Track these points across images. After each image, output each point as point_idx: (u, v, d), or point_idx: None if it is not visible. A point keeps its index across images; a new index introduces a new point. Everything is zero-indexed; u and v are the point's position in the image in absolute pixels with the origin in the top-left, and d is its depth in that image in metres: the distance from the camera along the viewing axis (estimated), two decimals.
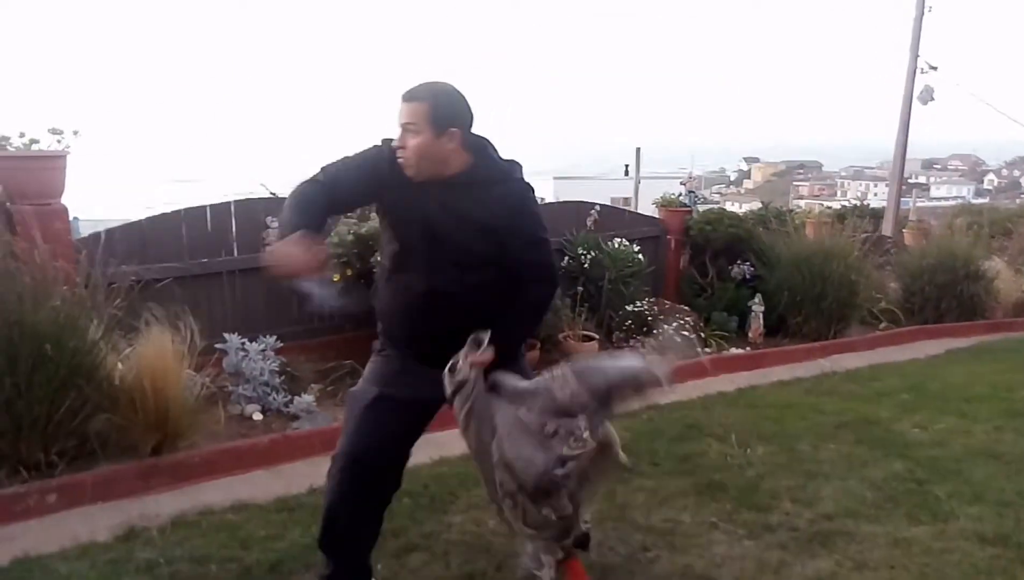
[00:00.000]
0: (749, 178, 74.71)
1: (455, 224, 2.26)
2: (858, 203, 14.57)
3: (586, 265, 6.21)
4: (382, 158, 2.30)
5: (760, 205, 8.39)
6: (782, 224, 7.33)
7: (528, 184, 2.38)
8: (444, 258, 2.27)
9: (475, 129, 2.33)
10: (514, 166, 2.39)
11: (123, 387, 3.64)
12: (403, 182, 2.26)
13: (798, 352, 6.30)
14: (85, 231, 5.17)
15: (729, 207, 10.88)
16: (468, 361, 2.19)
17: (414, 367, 2.38)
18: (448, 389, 2.22)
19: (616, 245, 6.42)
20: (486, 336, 2.20)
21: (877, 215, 13.94)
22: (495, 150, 2.37)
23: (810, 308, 6.70)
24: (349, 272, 4.92)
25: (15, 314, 3.35)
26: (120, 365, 3.71)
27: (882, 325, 7.39)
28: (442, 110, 2.21)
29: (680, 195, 7.71)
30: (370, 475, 2.40)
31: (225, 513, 3.27)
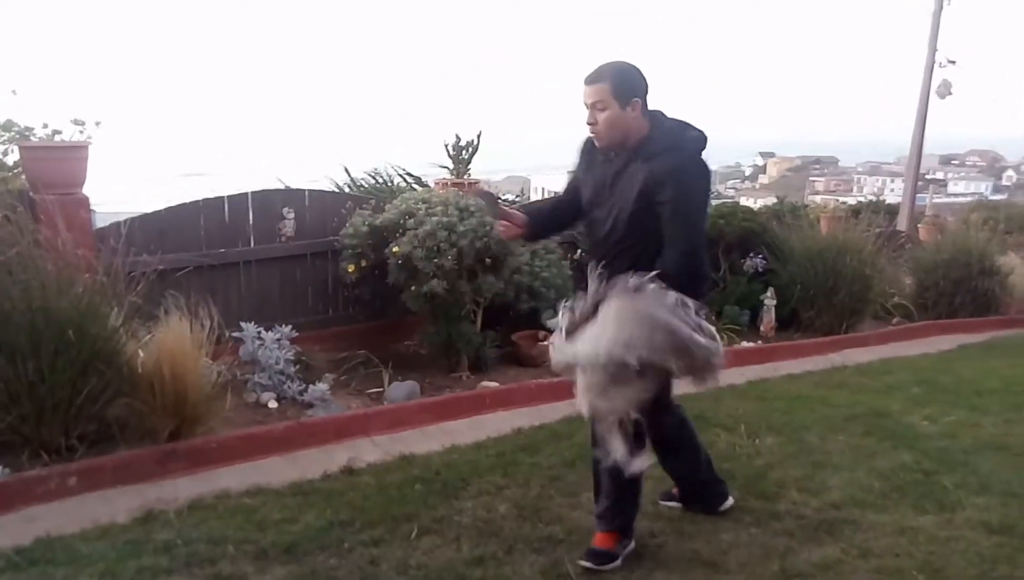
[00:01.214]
0: (764, 173, 74.29)
1: (620, 185, 2.62)
2: (874, 199, 14.54)
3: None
4: (580, 149, 2.84)
5: (775, 200, 8.40)
6: (796, 218, 7.34)
7: (698, 155, 2.64)
8: (606, 213, 2.67)
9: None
10: (686, 136, 2.64)
11: (142, 373, 3.71)
12: (593, 155, 2.76)
13: (809, 346, 6.31)
14: (102, 223, 5.27)
15: (744, 202, 10.89)
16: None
17: None
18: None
19: None
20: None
21: (893, 211, 13.89)
22: (670, 119, 2.68)
23: (822, 302, 6.70)
24: (364, 263, 4.98)
25: (39, 300, 3.43)
26: (140, 352, 3.78)
27: (895, 320, 7.39)
28: (623, 85, 2.58)
29: None
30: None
31: (241, 497, 3.34)
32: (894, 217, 12.74)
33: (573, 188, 2.89)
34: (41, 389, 3.42)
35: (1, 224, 3.48)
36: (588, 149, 2.80)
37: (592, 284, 2.52)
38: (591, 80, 2.60)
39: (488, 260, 4.79)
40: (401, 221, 4.77)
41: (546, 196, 19.13)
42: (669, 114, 2.71)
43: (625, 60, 2.67)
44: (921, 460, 3.67)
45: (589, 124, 2.64)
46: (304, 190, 5.42)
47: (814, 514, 3.14)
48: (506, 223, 2.88)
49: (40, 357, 3.39)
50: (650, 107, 2.66)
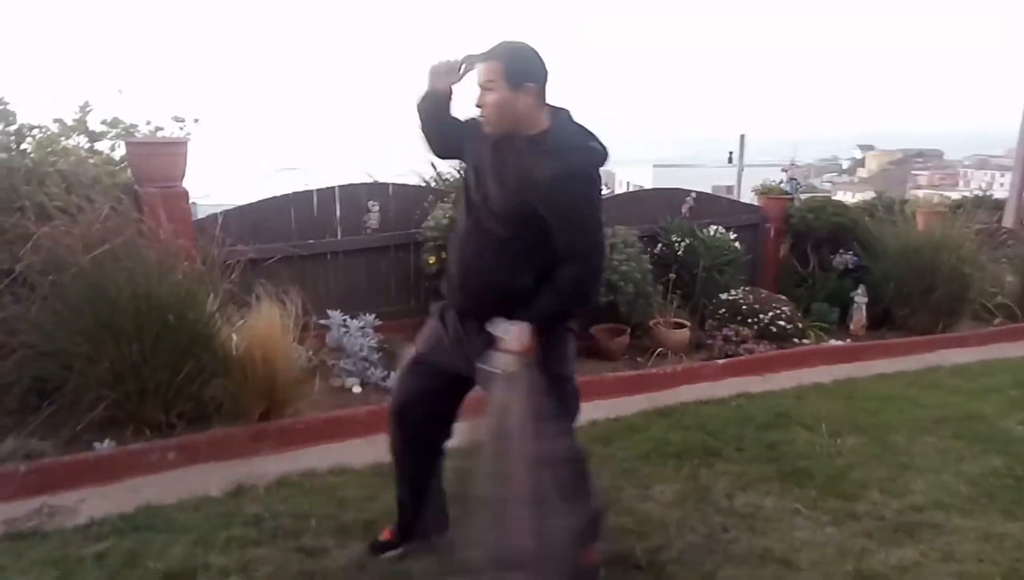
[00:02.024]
0: (863, 166, 71.42)
1: (504, 178, 2.34)
2: (980, 193, 13.80)
3: (680, 252, 6.18)
4: (474, 120, 2.48)
5: (873, 195, 8.10)
6: (890, 213, 7.07)
7: (589, 167, 2.35)
8: (488, 207, 2.38)
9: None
10: (588, 143, 2.37)
11: (236, 357, 3.91)
12: (482, 138, 2.42)
13: (902, 346, 6.09)
14: (203, 215, 5.55)
15: (841, 196, 10.51)
16: (511, 350, 2.27)
17: (454, 335, 2.53)
18: (494, 374, 2.28)
19: (712, 233, 6.36)
20: (506, 325, 2.29)
21: (1001, 206, 13.16)
22: (575, 123, 2.40)
23: (918, 301, 6.44)
24: (444, 255, 5.08)
25: (142, 286, 3.65)
26: (233, 336, 3.98)
27: (997, 321, 7.03)
28: (516, 67, 2.31)
29: (781, 182, 7.55)
30: (408, 424, 2.69)
31: (325, 476, 3.49)
32: (1001, 213, 12.06)
33: (459, 133, 2.54)
34: (144, 369, 3.65)
35: (108, 215, 3.72)
36: (474, 128, 2.48)
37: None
38: (483, 57, 2.34)
39: None
40: None
41: (631, 188, 18.95)
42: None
43: (525, 42, 2.37)
44: (1013, 465, 3.52)
45: (477, 106, 2.37)
46: (388, 184, 5.57)
47: (895, 516, 3.06)
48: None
49: (143, 340, 3.62)
50: (565, 105, 2.41)
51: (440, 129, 2.58)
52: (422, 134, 2.62)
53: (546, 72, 2.35)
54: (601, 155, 2.36)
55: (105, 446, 3.59)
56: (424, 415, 2.65)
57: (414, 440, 2.73)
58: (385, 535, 2.84)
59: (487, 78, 2.32)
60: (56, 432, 3.66)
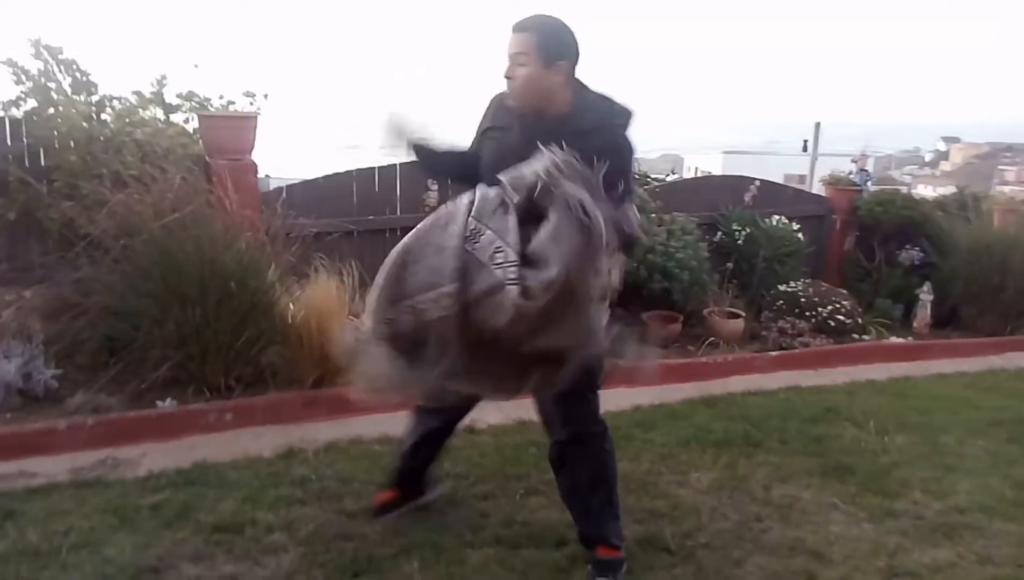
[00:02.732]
0: (947, 159, 68.54)
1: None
2: None
3: (740, 241, 6.12)
4: (492, 101, 2.48)
5: (955, 190, 7.83)
6: (963, 209, 6.85)
7: (624, 133, 2.34)
8: None
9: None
10: (614, 112, 2.35)
11: (293, 326, 4.07)
12: (504, 117, 2.40)
13: (967, 346, 5.92)
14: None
15: (921, 190, 10.19)
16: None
17: None
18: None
19: (774, 222, 6.27)
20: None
21: None
22: (595, 92, 2.37)
23: (987, 301, 6.24)
24: None
25: (207, 254, 3.83)
26: (291, 306, 4.14)
27: None
28: (551, 42, 2.26)
29: (851, 173, 7.37)
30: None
31: (372, 444, 3.62)
32: None
33: (477, 146, 2.50)
34: (206, 333, 3.83)
35: (179, 185, 3.91)
36: (498, 106, 2.46)
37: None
38: (518, 28, 2.27)
39: None
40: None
41: (698, 174, 18.64)
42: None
43: (559, 17, 2.32)
44: None
45: (507, 77, 2.32)
46: None
47: (935, 516, 3.02)
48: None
49: (206, 304, 3.79)
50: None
51: (463, 172, 2.50)
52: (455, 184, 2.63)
53: (579, 50, 2.32)
54: (629, 114, 2.35)
55: (167, 404, 3.79)
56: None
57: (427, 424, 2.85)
58: (387, 496, 2.92)
59: (519, 50, 2.27)
60: (123, 388, 3.88)
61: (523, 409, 4.04)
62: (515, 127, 2.36)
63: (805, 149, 20.72)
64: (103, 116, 4.58)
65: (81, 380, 3.94)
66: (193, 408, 3.80)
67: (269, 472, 3.28)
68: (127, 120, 4.55)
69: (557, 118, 2.29)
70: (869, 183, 7.46)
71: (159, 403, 3.80)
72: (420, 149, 2.51)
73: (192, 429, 3.70)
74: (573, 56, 2.31)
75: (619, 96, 2.39)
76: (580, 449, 2.55)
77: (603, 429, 2.60)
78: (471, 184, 2.30)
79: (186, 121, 4.84)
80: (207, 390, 3.89)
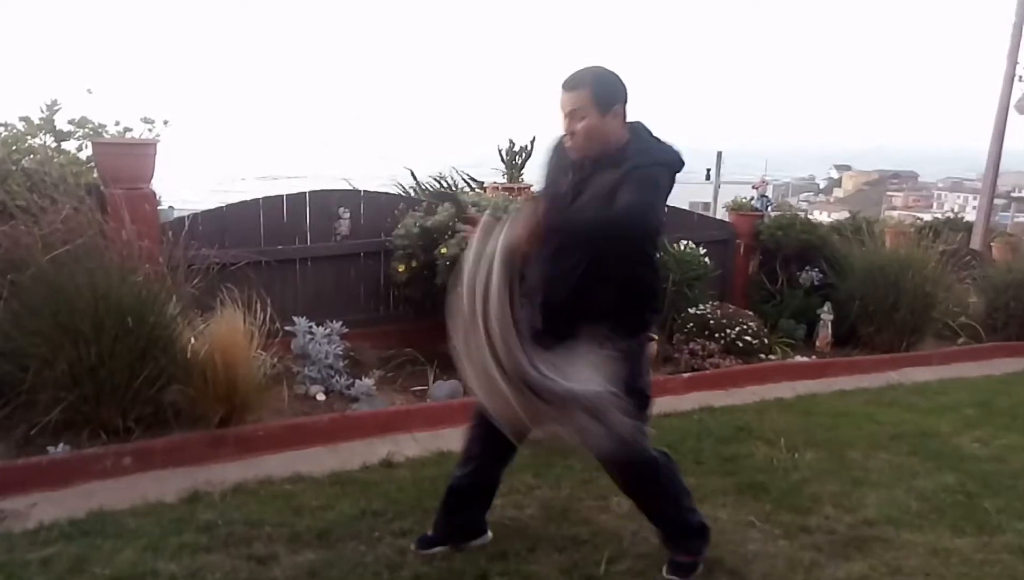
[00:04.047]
0: (840, 186, 72.28)
1: (583, 197, 2.45)
2: (951, 216, 14.01)
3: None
4: (550, 150, 2.66)
5: (848, 215, 8.20)
6: (857, 233, 7.17)
7: (660, 164, 2.46)
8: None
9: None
10: (662, 147, 2.50)
11: (196, 361, 3.87)
12: (560, 163, 2.58)
13: (866, 363, 6.16)
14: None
15: (816, 215, 10.61)
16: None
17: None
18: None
19: (682, 247, 6.41)
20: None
21: (971, 228, 13.37)
22: (650, 133, 2.53)
23: (882, 319, 6.52)
24: (414, 263, 5.09)
25: (102, 287, 3.62)
26: (194, 340, 3.95)
27: (960, 340, 7.14)
28: (604, 92, 2.43)
29: (751, 199, 7.63)
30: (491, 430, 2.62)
31: (283, 483, 3.47)
32: (969, 235, 12.25)
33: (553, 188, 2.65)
34: (101, 372, 3.61)
35: (70, 216, 3.69)
36: (559, 151, 2.62)
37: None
38: (569, 86, 2.44)
39: None
40: (451, 223, 4.86)
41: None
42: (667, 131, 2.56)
43: (603, 65, 2.51)
44: (965, 482, 3.57)
45: (568, 133, 2.49)
46: (360, 191, 5.57)
47: (846, 530, 3.10)
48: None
49: (101, 341, 3.57)
50: (638, 118, 2.54)
51: None
52: None
53: (627, 92, 2.49)
54: (677, 158, 2.51)
55: (60, 450, 3.54)
56: None
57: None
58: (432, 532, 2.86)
59: (576, 107, 2.43)
60: (10, 434, 3.63)
61: (441, 440, 4.00)
62: (565, 168, 2.54)
63: (708, 177, 21.47)
64: None
65: None
66: (88, 453, 3.56)
67: (172, 518, 3.10)
68: (14, 148, 4.30)
69: (607, 155, 2.44)
70: (769, 208, 7.73)
71: (50, 449, 3.54)
72: None
73: (87, 475, 3.46)
74: (624, 98, 2.48)
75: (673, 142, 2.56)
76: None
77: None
78: None
79: (79, 149, 4.61)
80: (103, 433, 3.66)
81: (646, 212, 2.40)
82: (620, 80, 2.48)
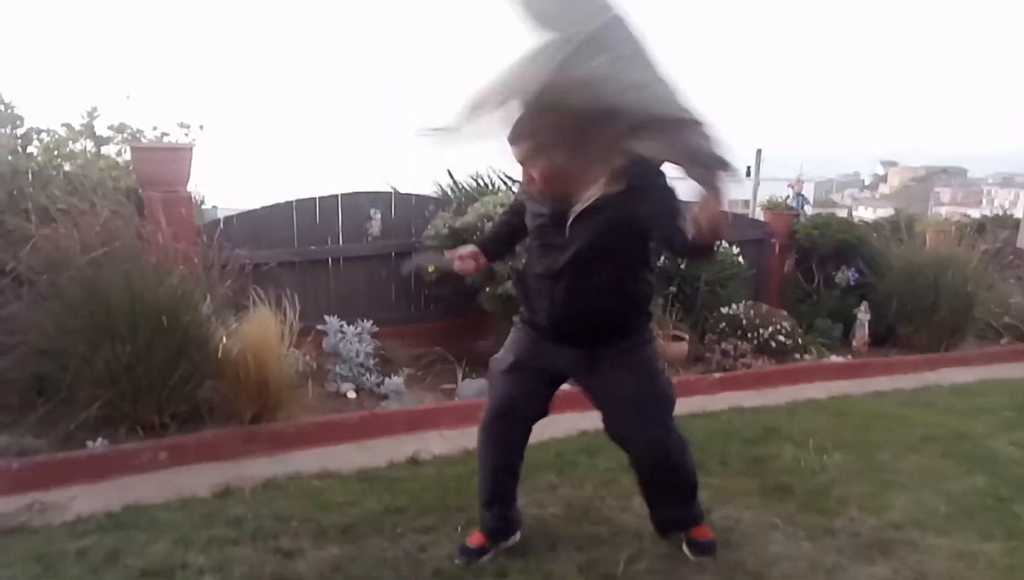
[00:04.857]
0: (885, 182, 70.81)
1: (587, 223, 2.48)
2: (1000, 212, 13.67)
3: (682, 265, 6.19)
4: None
5: (893, 212, 8.05)
6: (896, 231, 7.05)
7: (662, 176, 2.48)
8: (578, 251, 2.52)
9: None
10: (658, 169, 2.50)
11: (229, 360, 3.97)
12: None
13: (903, 363, 6.06)
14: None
15: (861, 212, 10.45)
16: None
17: (546, 343, 2.69)
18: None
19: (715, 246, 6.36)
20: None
21: (1019, 225, 13.01)
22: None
23: (921, 319, 6.41)
24: None
25: (138, 288, 3.73)
26: (227, 339, 4.05)
27: (1003, 341, 6.97)
28: None
29: (787, 198, 7.55)
30: (511, 425, 2.80)
31: (311, 479, 3.54)
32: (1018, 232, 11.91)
33: (520, 205, 2.77)
34: (138, 370, 3.72)
35: (108, 218, 3.81)
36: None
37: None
38: None
39: None
40: (479, 224, 4.90)
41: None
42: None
43: None
44: (997, 485, 3.50)
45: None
46: (390, 192, 5.64)
47: (871, 533, 3.06)
48: (460, 263, 2.85)
49: (138, 341, 3.69)
50: None
51: (515, 234, 2.90)
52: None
53: None
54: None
55: (98, 445, 3.66)
56: (524, 416, 2.81)
57: (514, 440, 2.84)
58: (474, 540, 2.85)
59: None
60: (52, 429, 3.74)
61: (469, 439, 4.04)
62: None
63: (748, 175, 21.21)
64: (29, 149, 4.46)
65: (7, 422, 3.80)
66: (125, 448, 3.68)
67: (203, 512, 3.18)
68: (55, 153, 4.45)
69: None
70: (806, 207, 7.63)
71: (89, 444, 3.67)
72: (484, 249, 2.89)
73: (124, 470, 3.57)
74: None
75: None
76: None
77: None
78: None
79: (119, 153, 4.75)
80: (140, 429, 3.78)
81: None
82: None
